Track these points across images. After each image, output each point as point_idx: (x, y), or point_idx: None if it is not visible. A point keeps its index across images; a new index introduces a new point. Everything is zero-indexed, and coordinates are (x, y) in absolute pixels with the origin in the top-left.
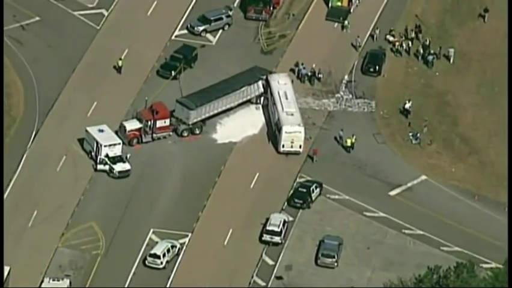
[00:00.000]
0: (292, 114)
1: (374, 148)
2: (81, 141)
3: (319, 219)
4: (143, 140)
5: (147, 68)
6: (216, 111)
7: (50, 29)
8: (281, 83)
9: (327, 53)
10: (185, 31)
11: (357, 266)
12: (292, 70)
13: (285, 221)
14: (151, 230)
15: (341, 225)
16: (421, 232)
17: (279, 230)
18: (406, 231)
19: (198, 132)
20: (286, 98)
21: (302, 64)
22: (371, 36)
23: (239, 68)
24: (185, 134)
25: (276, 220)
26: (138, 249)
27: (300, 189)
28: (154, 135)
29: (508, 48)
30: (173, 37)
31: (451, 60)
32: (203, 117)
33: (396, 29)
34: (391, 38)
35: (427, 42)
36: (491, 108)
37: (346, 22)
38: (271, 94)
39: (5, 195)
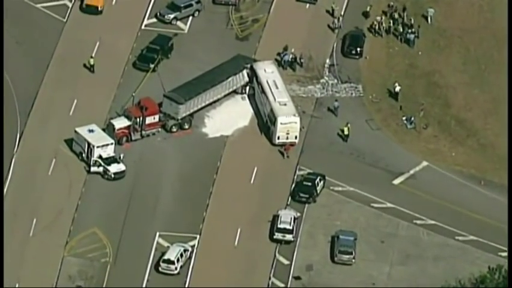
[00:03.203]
0: (285, 104)
1: (369, 135)
2: (68, 142)
3: (327, 214)
4: (133, 138)
5: (122, 60)
6: (203, 104)
7: (15, 23)
8: (268, 72)
9: (304, 36)
10: (154, 20)
11: (374, 261)
12: (279, 55)
13: (294, 218)
14: (157, 234)
15: (350, 219)
16: (432, 222)
17: (291, 227)
18: (417, 222)
19: (187, 127)
20: (277, 87)
21: (285, 50)
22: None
23: (216, 56)
24: (174, 129)
25: (287, 217)
26: (148, 255)
27: (304, 182)
28: (143, 132)
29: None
30: (143, 26)
31: (429, 21)
32: (191, 111)
33: (373, 7)
34: (378, 18)
35: (406, 20)
36: (481, 87)
37: (333, 5)
38: (259, 83)
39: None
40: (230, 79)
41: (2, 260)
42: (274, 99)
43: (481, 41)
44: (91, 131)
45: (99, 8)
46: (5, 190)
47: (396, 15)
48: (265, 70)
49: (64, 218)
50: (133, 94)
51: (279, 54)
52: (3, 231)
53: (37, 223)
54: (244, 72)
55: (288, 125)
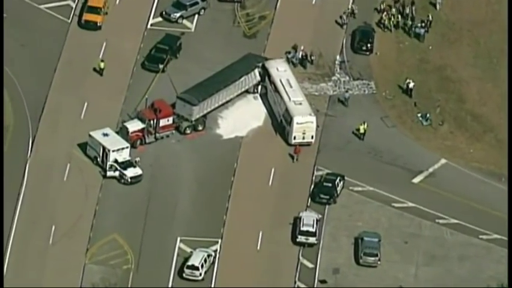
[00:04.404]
0: (300, 104)
1: (385, 133)
2: (81, 146)
3: (348, 215)
4: (147, 141)
5: (130, 61)
6: (216, 105)
7: (19, 26)
8: (281, 70)
9: (312, 32)
10: (160, 19)
11: (399, 262)
12: (288, 53)
13: (317, 220)
14: (178, 239)
15: (372, 220)
16: (455, 221)
17: (314, 230)
18: (440, 221)
19: (200, 128)
20: (291, 86)
21: (294, 48)
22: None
23: (225, 55)
24: (188, 131)
25: (309, 220)
26: (170, 261)
27: (324, 183)
28: (157, 134)
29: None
30: (149, 26)
31: (437, 8)
32: (205, 112)
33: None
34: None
35: (414, 13)
36: (494, 81)
37: (353, 5)
38: (272, 82)
39: (17, 211)
40: (242, 79)
41: (2, 260)
42: (289, 99)
43: (491, 34)
44: (105, 134)
45: (98, 24)
46: (20, 197)
47: (407, 10)
48: (277, 69)
49: (82, 225)
50: (146, 97)
51: (288, 52)
52: (12, 234)
53: (56, 230)
54: (256, 71)
55: (305, 125)
